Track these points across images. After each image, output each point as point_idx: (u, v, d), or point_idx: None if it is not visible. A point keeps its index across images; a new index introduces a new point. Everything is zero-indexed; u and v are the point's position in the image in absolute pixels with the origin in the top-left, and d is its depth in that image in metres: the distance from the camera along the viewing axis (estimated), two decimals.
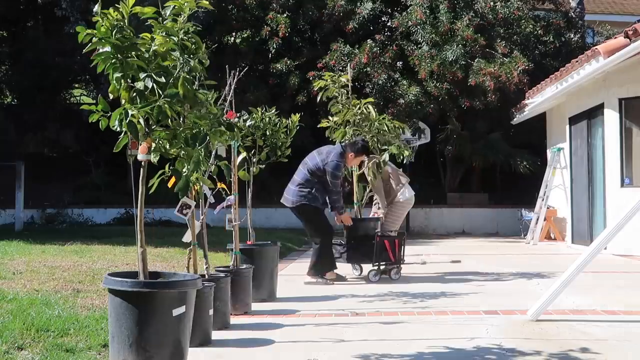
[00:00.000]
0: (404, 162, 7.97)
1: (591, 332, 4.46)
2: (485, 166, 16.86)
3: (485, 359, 3.79)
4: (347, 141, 7.29)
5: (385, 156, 7.58)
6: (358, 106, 7.56)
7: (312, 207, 6.94)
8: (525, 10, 15.40)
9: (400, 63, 15.44)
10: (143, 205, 3.40)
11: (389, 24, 16.60)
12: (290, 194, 7.03)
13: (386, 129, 7.53)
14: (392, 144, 7.63)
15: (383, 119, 7.68)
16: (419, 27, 14.87)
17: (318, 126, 7.96)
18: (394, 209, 7.99)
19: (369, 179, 7.71)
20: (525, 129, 15.82)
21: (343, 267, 7.46)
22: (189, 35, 3.43)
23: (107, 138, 7.17)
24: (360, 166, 7.64)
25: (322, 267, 7.04)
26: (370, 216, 7.95)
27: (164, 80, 3.27)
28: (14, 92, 17.94)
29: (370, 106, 7.59)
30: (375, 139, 7.56)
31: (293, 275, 7.79)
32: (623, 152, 10.35)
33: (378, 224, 7.54)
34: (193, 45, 3.46)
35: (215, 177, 4.63)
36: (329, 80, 7.60)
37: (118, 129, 3.28)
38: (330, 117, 7.72)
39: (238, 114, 5.71)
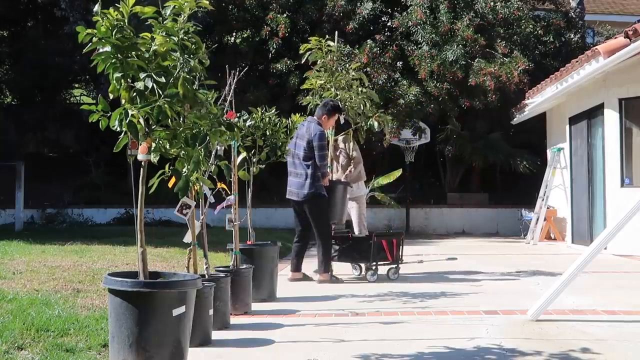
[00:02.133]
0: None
1: (591, 332, 4.46)
2: (485, 166, 16.85)
3: (485, 359, 3.79)
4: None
5: (374, 124, 7.68)
6: (338, 77, 7.65)
7: (322, 196, 6.91)
8: (525, 10, 15.39)
9: (400, 63, 15.42)
10: (143, 205, 3.40)
11: (389, 24, 16.59)
12: (297, 186, 6.96)
13: (364, 103, 7.56)
14: (370, 117, 7.68)
15: (364, 95, 7.67)
16: (419, 27, 14.87)
17: (301, 87, 8.14)
18: (360, 202, 8.43)
19: (348, 145, 8.04)
20: (525, 129, 15.83)
21: (344, 267, 7.47)
22: (189, 35, 3.43)
23: (107, 138, 7.18)
24: (337, 136, 7.85)
25: (328, 265, 7.02)
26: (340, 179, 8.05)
27: (164, 80, 3.27)
28: (14, 92, 17.94)
29: (354, 82, 7.69)
30: (356, 110, 7.60)
31: None
32: (623, 152, 10.36)
33: (348, 189, 7.59)
34: (193, 45, 3.46)
35: (215, 177, 4.63)
36: (314, 44, 7.70)
37: (118, 129, 3.29)
38: (314, 80, 7.84)
39: (238, 114, 5.71)
